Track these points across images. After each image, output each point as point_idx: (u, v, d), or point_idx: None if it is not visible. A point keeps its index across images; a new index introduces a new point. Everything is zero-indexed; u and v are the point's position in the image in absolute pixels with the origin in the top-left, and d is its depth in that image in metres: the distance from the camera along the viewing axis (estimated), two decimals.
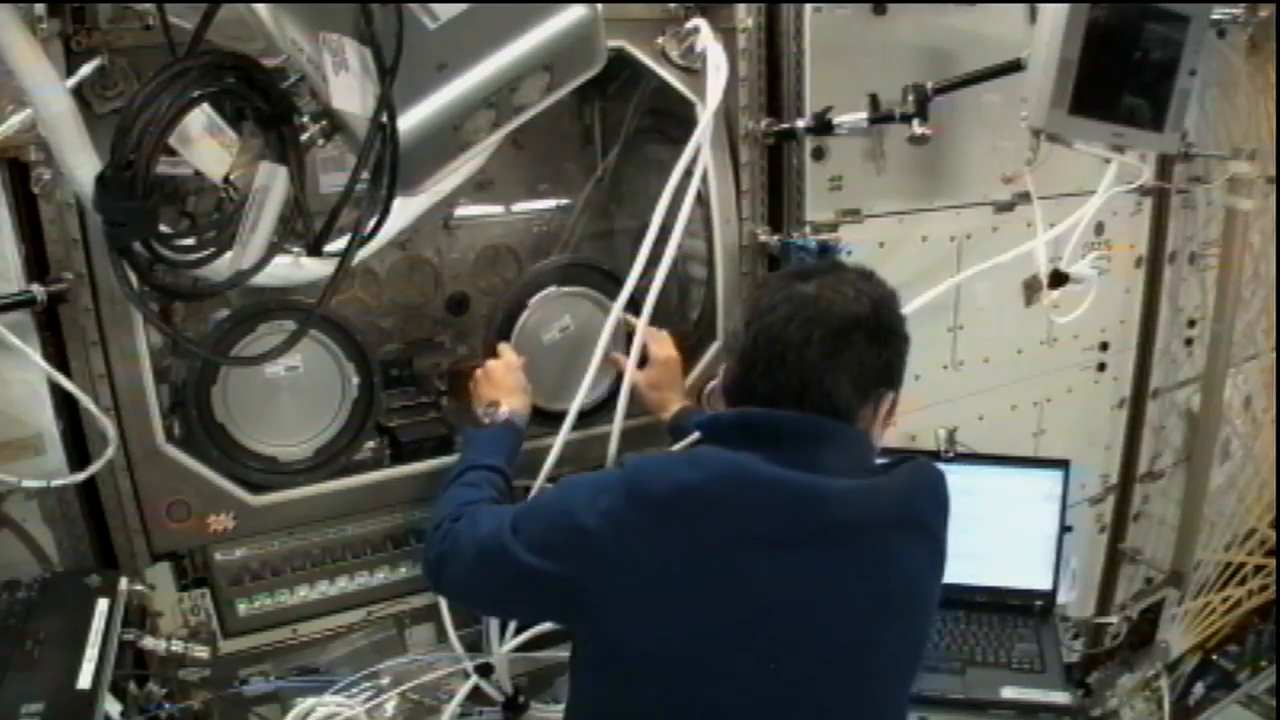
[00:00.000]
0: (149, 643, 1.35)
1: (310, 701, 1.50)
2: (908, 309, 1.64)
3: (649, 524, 1.12)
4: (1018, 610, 2.03)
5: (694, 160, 1.54)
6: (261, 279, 1.08)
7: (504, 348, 1.63)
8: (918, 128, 1.58)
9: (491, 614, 1.58)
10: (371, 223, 1.03)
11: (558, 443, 1.57)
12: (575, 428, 1.59)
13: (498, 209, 1.94)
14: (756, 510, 1.12)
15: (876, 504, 1.17)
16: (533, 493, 1.56)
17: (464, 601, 1.51)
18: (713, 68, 1.56)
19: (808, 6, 1.63)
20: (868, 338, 1.17)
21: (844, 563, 1.14)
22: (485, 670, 1.62)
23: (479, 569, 1.25)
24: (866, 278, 1.24)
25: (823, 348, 1.15)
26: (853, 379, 1.17)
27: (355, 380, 1.55)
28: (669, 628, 1.13)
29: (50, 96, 1.01)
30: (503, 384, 1.56)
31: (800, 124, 1.67)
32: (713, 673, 1.13)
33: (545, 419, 1.68)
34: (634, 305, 1.60)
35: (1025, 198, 1.74)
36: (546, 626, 1.63)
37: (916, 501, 1.22)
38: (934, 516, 1.24)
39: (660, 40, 1.64)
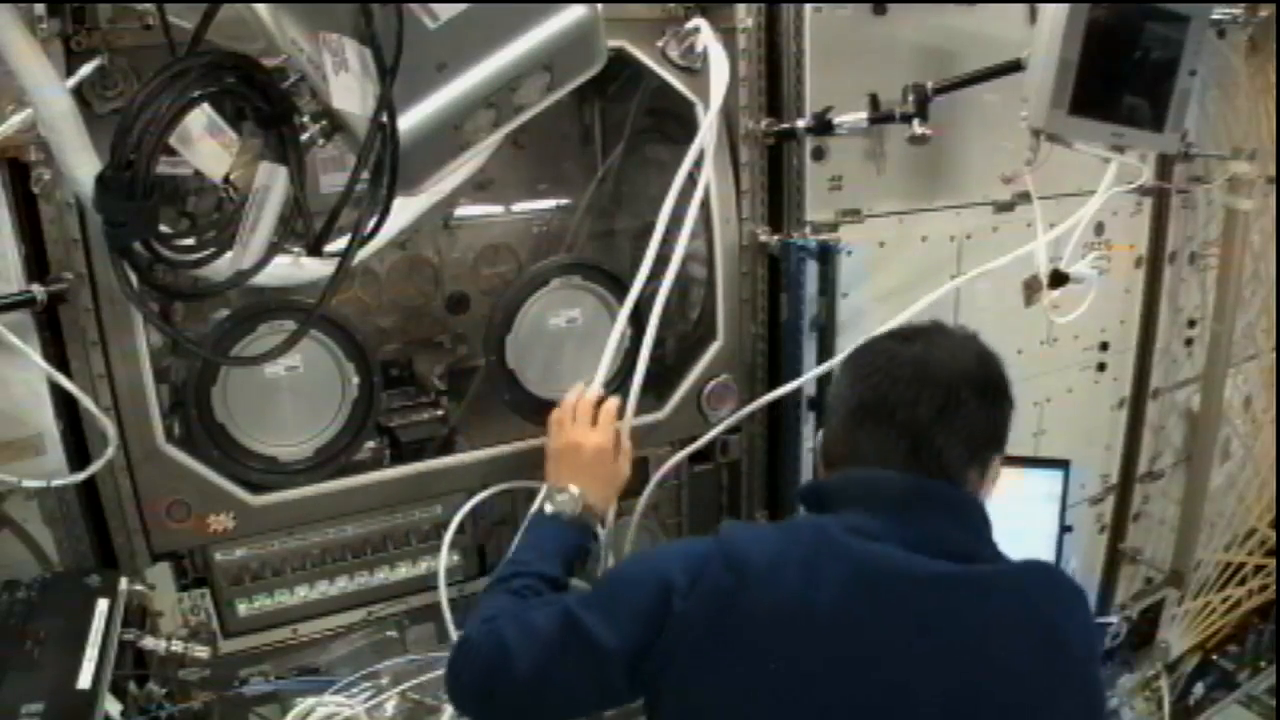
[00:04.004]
0: (149, 643, 1.35)
1: (310, 701, 1.50)
2: (908, 311, 1.67)
3: (742, 595, 1.06)
4: None
5: (698, 162, 1.54)
6: (261, 279, 1.08)
7: (609, 412, 1.51)
8: (918, 128, 1.58)
9: None
10: (371, 223, 1.03)
11: None
12: None
13: (498, 209, 1.94)
14: (851, 593, 1.06)
15: (974, 595, 1.08)
16: (542, 492, 1.55)
17: None
18: (714, 68, 1.56)
19: (808, 6, 1.63)
20: (977, 397, 1.15)
21: (939, 656, 1.05)
22: None
23: (550, 668, 1.13)
24: (969, 338, 1.22)
25: (933, 406, 1.13)
26: (963, 439, 1.14)
27: (355, 380, 1.55)
28: (755, 699, 1.05)
29: (50, 96, 1.01)
30: (588, 470, 1.45)
31: (800, 124, 1.67)
32: None
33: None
34: (638, 309, 1.60)
35: (1025, 198, 1.74)
36: None
37: (1032, 601, 1.11)
38: (1060, 618, 1.11)
39: (660, 40, 1.64)
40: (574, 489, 1.43)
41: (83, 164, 1.02)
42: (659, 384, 1.76)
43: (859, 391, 1.18)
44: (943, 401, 1.13)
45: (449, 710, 1.57)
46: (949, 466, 1.14)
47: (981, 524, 1.17)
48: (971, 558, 1.12)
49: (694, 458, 1.79)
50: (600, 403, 1.54)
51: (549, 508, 1.43)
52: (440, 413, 1.81)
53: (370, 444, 1.65)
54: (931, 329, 1.25)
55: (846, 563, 1.08)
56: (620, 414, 1.55)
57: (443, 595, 1.59)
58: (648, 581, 1.11)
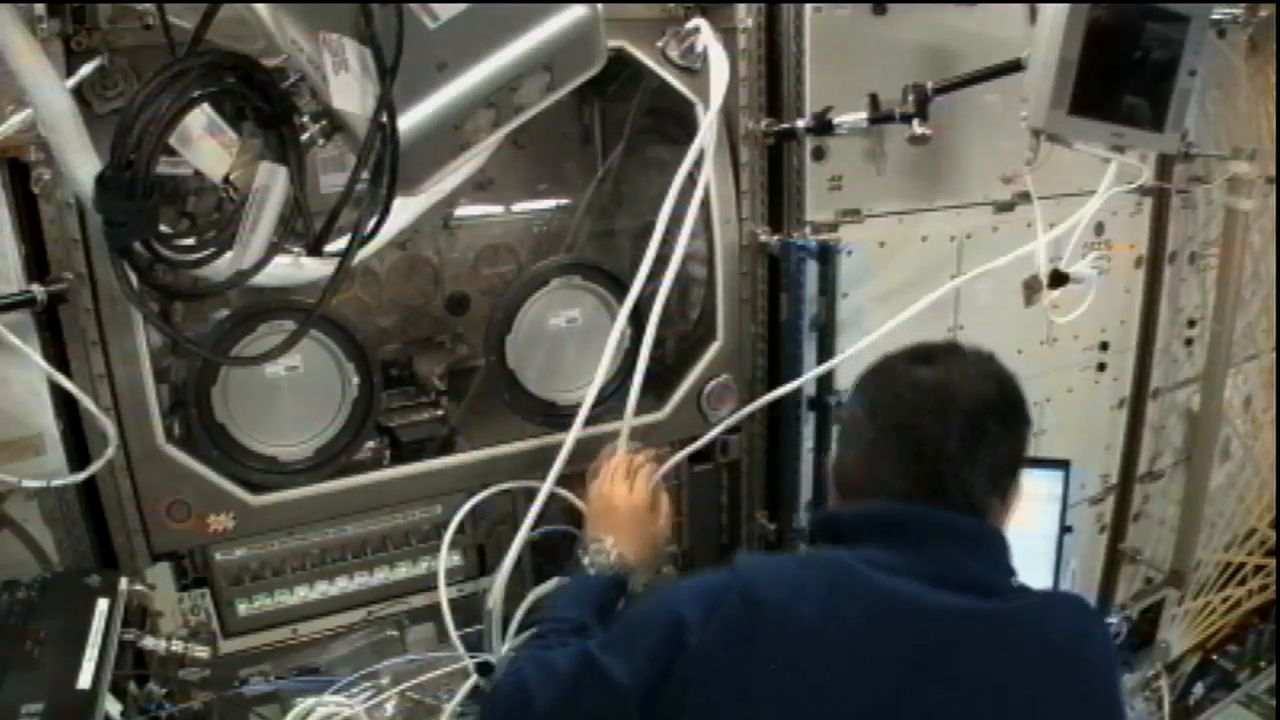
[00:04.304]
0: (149, 643, 1.35)
1: (310, 701, 1.50)
2: (908, 311, 1.67)
3: (759, 628, 1.05)
4: None
5: (698, 162, 1.54)
6: (261, 279, 1.08)
7: (645, 470, 1.51)
8: (918, 128, 1.58)
9: None
10: (371, 223, 1.03)
11: (568, 442, 1.55)
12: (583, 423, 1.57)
13: (498, 209, 1.94)
14: (870, 627, 1.05)
15: (997, 629, 1.08)
16: (542, 492, 1.55)
17: None
18: (714, 68, 1.56)
19: (808, 6, 1.63)
20: (1001, 425, 1.14)
21: (959, 693, 1.05)
22: (486, 669, 1.62)
23: (567, 707, 1.13)
24: (987, 360, 1.20)
25: (959, 439, 1.11)
26: (987, 471, 1.13)
27: (355, 380, 1.55)
28: None
29: (50, 96, 1.01)
30: (623, 524, 1.45)
31: (800, 124, 1.67)
32: None
33: (551, 415, 1.68)
34: (638, 309, 1.59)
35: (1025, 198, 1.74)
36: None
37: (1054, 633, 1.10)
38: (1080, 645, 1.11)
39: (660, 40, 1.64)
40: (610, 546, 1.43)
41: (83, 164, 1.02)
42: (659, 384, 1.76)
43: (880, 422, 1.16)
44: (969, 434, 1.12)
45: (449, 709, 1.57)
46: (974, 498, 1.13)
47: (1002, 555, 1.16)
48: (993, 590, 1.11)
49: (694, 458, 1.79)
50: (635, 460, 1.55)
51: (587, 565, 1.42)
52: (440, 413, 1.81)
53: (370, 444, 1.65)
54: (947, 350, 1.22)
55: (867, 599, 1.06)
56: (657, 472, 1.55)
57: (442, 595, 1.59)
58: (660, 619, 1.10)
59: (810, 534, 1.83)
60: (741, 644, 1.05)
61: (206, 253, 1.04)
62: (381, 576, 1.64)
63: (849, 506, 1.20)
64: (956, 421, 1.12)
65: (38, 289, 1.23)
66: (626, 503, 1.48)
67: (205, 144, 0.98)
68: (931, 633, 1.05)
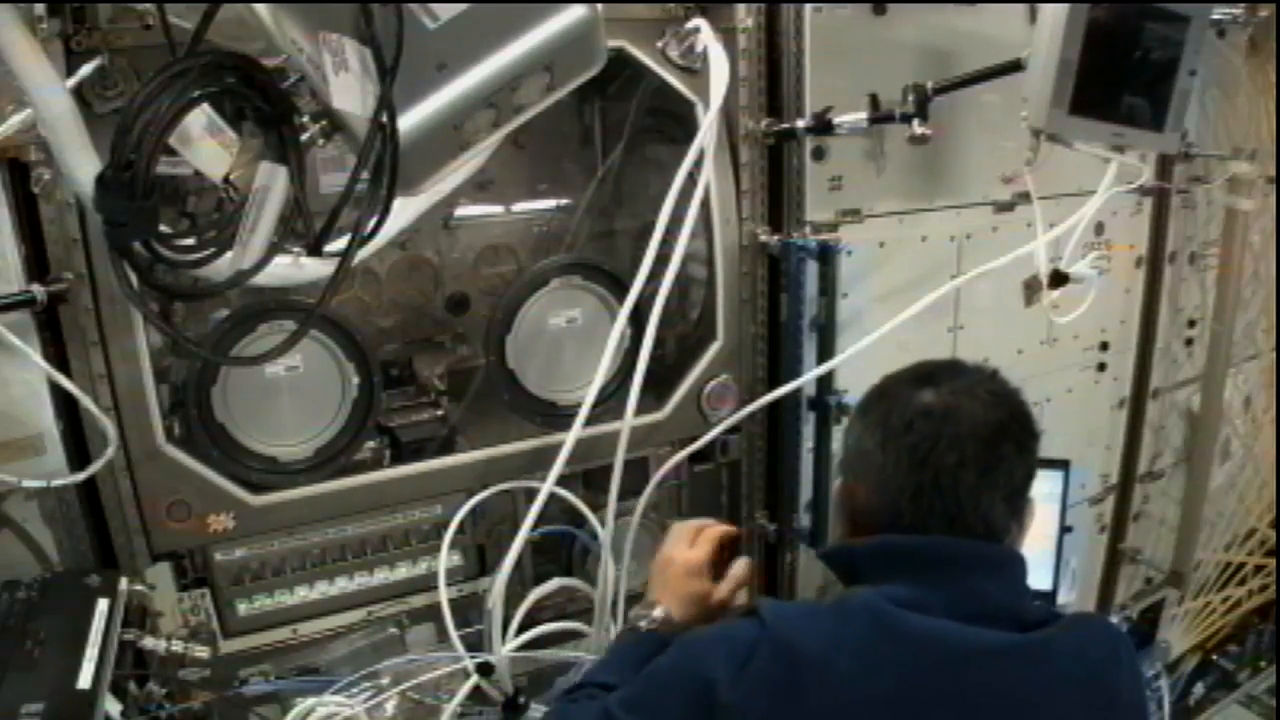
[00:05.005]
0: (149, 643, 1.35)
1: (310, 701, 1.50)
2: (908, 311, 1.67)
3: (797, 682, 1.02)
4: None
5: (698, 162, 1.54)
6: (261, 279, 1.08)
7: (709, 533, 1.44)
8: (918, 128, 1.58)
9: None
10: (371, 223, 1.03)
11: (568, 442, 1.55)
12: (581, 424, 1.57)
13: (498, 209, 1.94)
14: (910, 674, 1.03)
15: (1033, 664, 1.07)
16: (542, 492, 1.55)
17: None
18: (714, 68, 1.56)
19: (808, 6, 1.63)
20: (1015, 447, 1.12)
21: None
22: (485, 670, 1.62)
23: None
24: (991, 378, 1.18)
25: (976, 468, 1.09)
26: (1005, 496, 1.12)
27: (355, 380, 1.55)
28: None
29: (50, 96, 1.01)
30: (673, 585, 1.39)
31: (800, 124, 1.67)
32: None
33: (551, 415, 1.69)
34: (638, 309, 1.59)
35: (1025, 198, 1.74)
36: (550, 627, 1.64)
37: (1087, 661, 1.09)
38: (1112, 673, 1.10)
39: (660, 40, 1.64)
40: (658, 606, 1.37)
41: (83, 164, 1.02)
42: (659, 384, 1.76)
43: (892, 453, 1.13)
44: (985, 462, 1.10)
45: (449, 710, 1.58)
46: (994, 525, 1.12)
47: (1022, 577, 1.15)
48: (1021, 618, 1.10)
49: (694, 458, 1.79)
50: (703, 524, 1.50)
51: (640, 625, 1.37)
52: (440, 413, 1.81)
53: (370, 444, 1.65)
54: (951, 370, 1.20)
55: (905, 645, 1.04)
56: (728, 542, 1.47)
57: (443, 595, 1.59)
58: (685, 679, 1.07)
59: (810, 537, 1.84)
60: (780, 699, 1.02)
61: (206, 253, 1.04)
62: (381, 576, 1.63)
63: (863, 540, 1.18)
64: (972, 450, 1.10)
65: (38, 289, 1.23)
66: (680, 561, 1.41)
67: (205, 144, 0.98)
68: (970, 673, 1.04)
